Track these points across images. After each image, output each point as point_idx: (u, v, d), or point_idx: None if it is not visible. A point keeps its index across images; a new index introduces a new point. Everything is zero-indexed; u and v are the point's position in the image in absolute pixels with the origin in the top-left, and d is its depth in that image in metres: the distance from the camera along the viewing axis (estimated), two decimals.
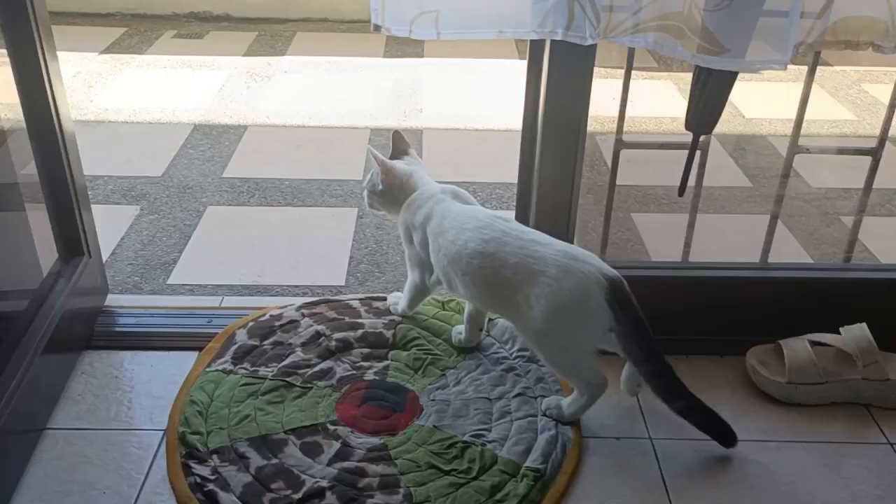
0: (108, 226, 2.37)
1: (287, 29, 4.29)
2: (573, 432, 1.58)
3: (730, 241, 2.46)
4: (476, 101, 3.50)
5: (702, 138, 1.69)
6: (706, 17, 1.37)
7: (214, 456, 1.50)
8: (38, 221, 1.73)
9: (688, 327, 1.84)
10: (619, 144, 1.81)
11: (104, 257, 2.18)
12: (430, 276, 1.69)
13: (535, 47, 1.67)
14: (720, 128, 3.31)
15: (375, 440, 1.55)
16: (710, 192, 2.73)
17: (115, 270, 2.16)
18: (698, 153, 1.73)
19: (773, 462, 1.57)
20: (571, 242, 1.78)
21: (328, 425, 1.58)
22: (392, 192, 1.71)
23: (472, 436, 1.56)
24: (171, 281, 2.13)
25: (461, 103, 3.47)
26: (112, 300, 1.94)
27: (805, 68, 1.70)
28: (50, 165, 1.68)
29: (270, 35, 4.20)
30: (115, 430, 1.57)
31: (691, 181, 1.78)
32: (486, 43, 4.23)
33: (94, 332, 1.80)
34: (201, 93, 3.42)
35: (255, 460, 1.49)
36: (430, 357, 1.76)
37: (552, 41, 1.56)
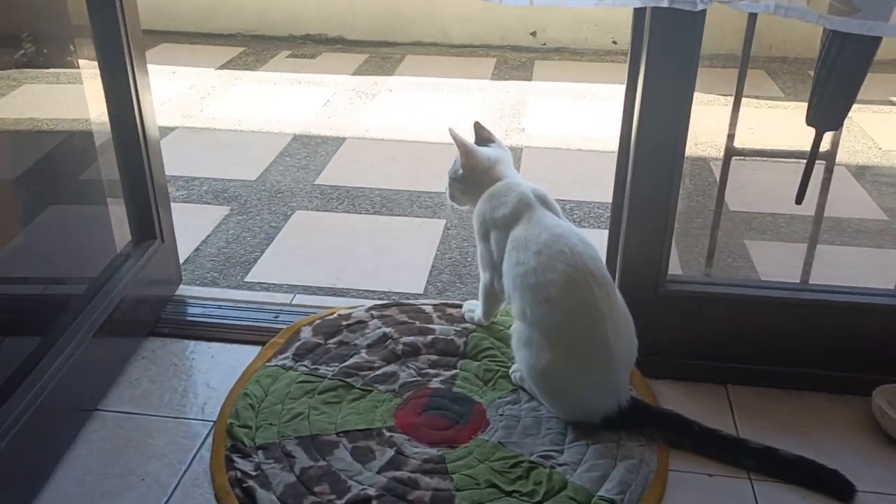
0: (196, 223, 2.37)
1: (397, 52, 4.30)
2: (658, 462, 1.38)
3: (858, 273, 2.18)
4: (580, 122, 3.35)
5: (827, 147, 1.48)
6: None
7: (260, 452, 1.39)
8: (120, 215, 1.74)
9: (802, 359, 1.61)
10: (731, 151, 1.62)
11: (187, 253, 2.18)
12: (499, 279, 1.54)
13: (633, 68, 1.51)
14: (854, 158, 2.97)
15: (433, 451, 1.40)
16: (838, 222, 2.46)
17: (196, 265, 2.13)
18: (822, 167, 1.52)
19: None
20: (667, 265, 1.60)
21: (384, 431, 1.45)
22: (473, 179, 1.58)
23: (540, 456, 1.39)
24: (248, 279, 2.08)
25: (564, 124, 3.33)
26: (183, 290, 1.90)
27: None
28: (131, 164, 1.71)
29: (381, 57, 4.22)
30: (165, 417, 1.50)
31: (813, 195, 1.56)
32: (595, 67, 4.09)
33: (161, 319, 1.76)
34: (306, 107, 3.45)
35: (302, 460, 1.37)
36: (502, 369, 1.60)
37: (650, 59, 1.42)
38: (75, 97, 1.71)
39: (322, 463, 1.37)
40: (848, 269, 2.20)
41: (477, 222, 1.59)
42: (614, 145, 1.63)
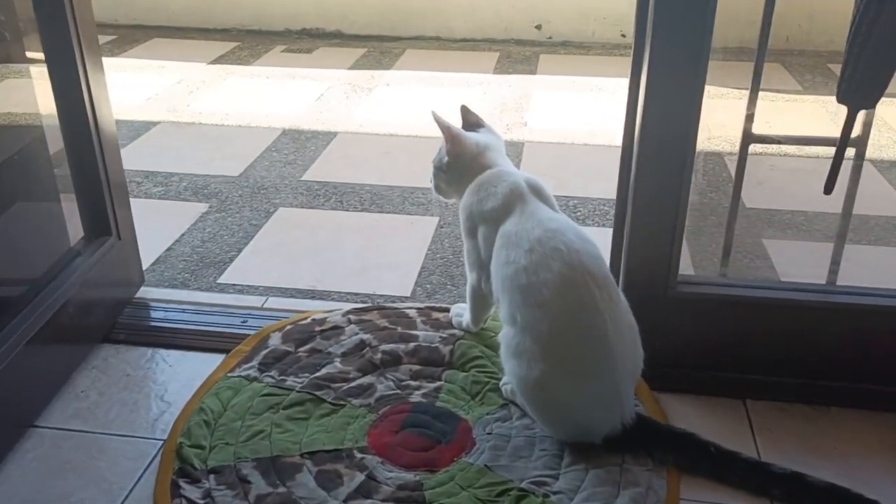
0: (171, 221, 2.21)
1: (397, 46, 4.14)
2: (668, 490, 1.20)
3: (889, 275, 2.00)
4: (585, 116, 3.17)
5: (857, 132, 1.30)
6: None
7: (212, 476, 1.22)
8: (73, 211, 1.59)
9: (832, 370, 1.43)
10: (750, 137, 1.44)
11: (157, 253, 2.02)
12: (487, 280, 1.37)
13: (637, 60, 1.36)
14: (879, 152, 2.79)
15: (409, 476, 1.23)
16: (864, 220, 2.28)
17: (167, 266, 1.97)
18: (851, 157, 1.34)
19: None
20: (678, 264, 1.42)
21: (355, 452, 1.28)
22: (459, 167, 1.42)
23: (532, 482, 1.21)
24: (221, 280, 1.92)
25: (569, 118, 3.15)
26: (145, 292, 1.73)
27: None
28: (82, 160, 1.58)
29: (380, 52, 4.05)
30: (111, 434, 1.34)
31: (840, 188, 1.38)
32: (603, 61, 3.92)
33: (117, 324, 1.60)
34: (297, 101, 3.29)
35: (258, 486, 1.20)
36: (492, 382, 1.43)
37: (655, 50, 1.29)
38: (23, 91, 1.59)
39: (281, 489, 1.20)
40: (877, 271, 2.02)
41: (463, 216, 1.42)
42: (619, 139, 1.47)
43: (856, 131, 1.35)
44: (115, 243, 1.60)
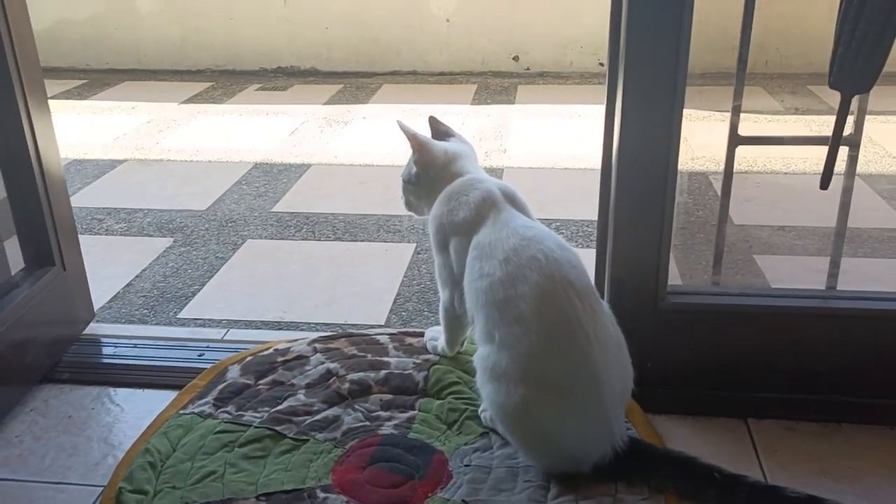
0: (131, 257, 2.10)
1: (374, 81, 4.08)
2: None
3: (888, 288, 1.90)
4: (565, 141, 3.10)
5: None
6: None
7: None
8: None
9: (841, 383, 1.32)
10: (736, 140, 1.35)
11: (116, 289, 1.90)
12: (461, 297, 1.25)
13: (611, 86, 1.29)
14: (867, 167, 2.74)
15: None
16: (858, 233, 2.19)
17: (125, 302, 1.84)
18: (846, 156, 1.26)
19: None
20: (667, 273, 1.32)
21: (317, 492, 1.14)
22: (429, 178, 1.32)
23: None
24: (182, 315, 1.79)
25: (549, 144, 3.08)
26: (95, 328, 1.60)
27: None
28: (23, 193, 1.48)
29: (356, 87, 3.99)
30: (44, 483, 1.20)
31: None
32: (581, 90, 3.88)
33: (61, 363, 1.47)
34: (271, 136, 3.20)
35: None
36: (470, 409, 1.30)
37: (628, 79, 1.23)
38: None
39: None
40: (874, 283, 1.92)
41: (433, 228, 1.31)
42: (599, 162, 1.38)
43: (848, 129, 1.26)
44: (59, 274, 1.47)
